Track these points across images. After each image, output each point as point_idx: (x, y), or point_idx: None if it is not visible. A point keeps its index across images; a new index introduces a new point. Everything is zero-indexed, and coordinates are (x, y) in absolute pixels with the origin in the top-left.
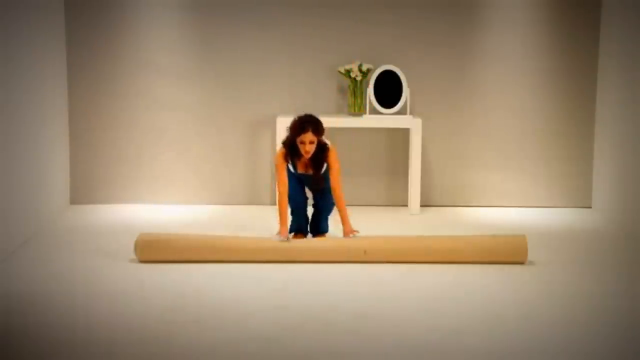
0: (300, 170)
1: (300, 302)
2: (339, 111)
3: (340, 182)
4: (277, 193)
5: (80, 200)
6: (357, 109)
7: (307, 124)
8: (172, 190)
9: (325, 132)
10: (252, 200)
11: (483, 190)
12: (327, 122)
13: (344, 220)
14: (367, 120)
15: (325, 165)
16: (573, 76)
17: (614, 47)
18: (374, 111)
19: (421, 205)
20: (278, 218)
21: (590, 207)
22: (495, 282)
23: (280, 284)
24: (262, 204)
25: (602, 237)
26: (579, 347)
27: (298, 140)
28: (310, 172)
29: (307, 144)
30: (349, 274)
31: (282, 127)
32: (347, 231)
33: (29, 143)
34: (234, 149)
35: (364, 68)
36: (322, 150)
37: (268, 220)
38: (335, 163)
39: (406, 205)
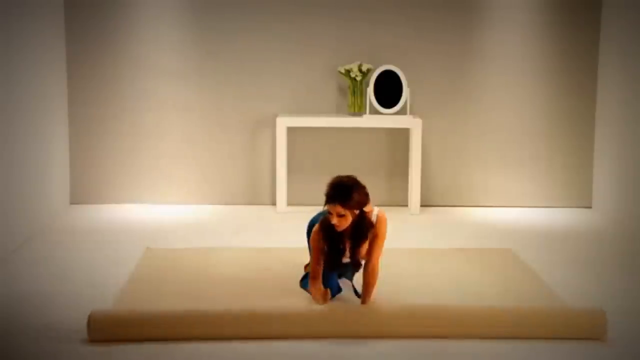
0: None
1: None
2: (339, 111)
3: (379, 259)
4: (310, 281)
5: (80, 200)
6: (357, 109)
7: (333, 193)
8: (172, 190)
9: (326, 134)
10: (253, 200)
11: (483, 190)
12: (327, 122)
13: (367, 294)
14: (367, 120)
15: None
16: (573, 76)
17: (614, 47)
18: (374, 111)
19: (421, 205)
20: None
21: (590, 207)
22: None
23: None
24: (263, 204)
25: (602, 237)
26: (579, 347)
27: (327, 208)
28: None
29: (335, 217)
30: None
31: (282, 127)
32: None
33: (29, 143)
34: (235, 149)
35: (364, 68)
36: (361, 220)
37: (268, 220)
38: (383, 237)
39: (406, 205)
